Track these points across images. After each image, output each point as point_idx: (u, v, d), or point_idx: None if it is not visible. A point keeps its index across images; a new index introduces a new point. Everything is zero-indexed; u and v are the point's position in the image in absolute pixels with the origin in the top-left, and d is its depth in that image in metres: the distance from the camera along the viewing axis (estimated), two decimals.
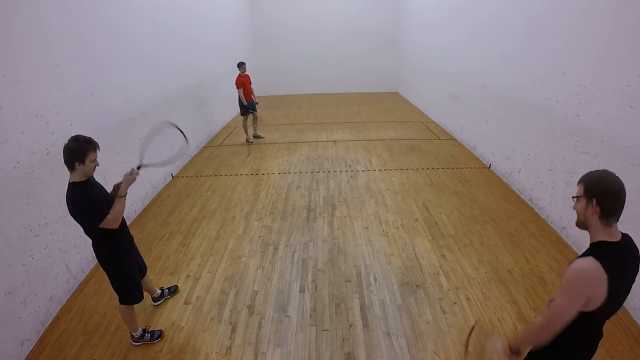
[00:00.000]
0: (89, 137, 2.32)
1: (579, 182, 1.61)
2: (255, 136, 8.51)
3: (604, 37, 3.58)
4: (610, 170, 1.58)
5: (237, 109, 8.53)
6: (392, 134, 8.60)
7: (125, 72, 4.78)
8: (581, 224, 1.62)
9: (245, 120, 8.31)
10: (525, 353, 1.76)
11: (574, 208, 1.63)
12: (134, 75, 5.00)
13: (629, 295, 3.10)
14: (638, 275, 1.64)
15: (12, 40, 2.96)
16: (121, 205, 2.46)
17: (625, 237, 1.58)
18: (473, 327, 2.09)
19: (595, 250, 1.54)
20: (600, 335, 1.72)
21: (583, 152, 3.85)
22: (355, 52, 13.82)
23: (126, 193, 2.52)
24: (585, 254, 1.55)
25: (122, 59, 4.71)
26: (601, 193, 1.51)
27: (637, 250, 1.59)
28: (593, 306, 1.51)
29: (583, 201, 1.56)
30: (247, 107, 8.03)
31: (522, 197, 5.21)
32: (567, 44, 4.18)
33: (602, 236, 1.55)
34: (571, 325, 1.54)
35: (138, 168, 2.59)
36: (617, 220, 1.54)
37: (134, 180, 2.53)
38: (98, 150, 2.36)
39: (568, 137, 4.13)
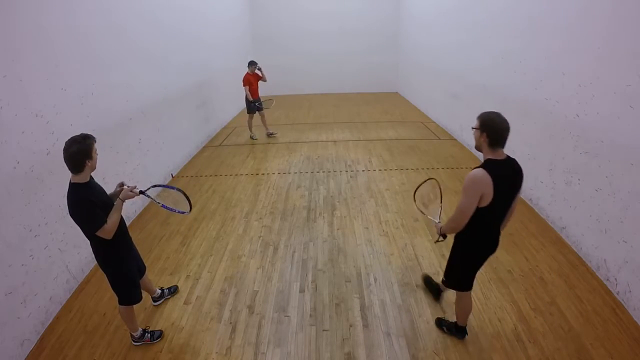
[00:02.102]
0: (85, 133, 2.34)
1: (478, 117, 2.27)
2: (269, 135, 8.54)
3: (604, 37, 3.58)
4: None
5: (237, 109, 8.55)
6: (392, 133, 8.60)
7: (126, 72, 4.78)
8: (477, 147, 2.34)
9: (250, 119, 8.39)
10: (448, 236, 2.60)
11: (473, 134, 2.31)
12: (134, 75, 5.00)
13: (629, 295, 3.13)
14: None
15: (13, 40, 2.96)
16: (117, 217, 2.45)
17: (510, 158, 2.29)
18: (426, 181, 2.89)
19: (484, 164, 2.25)
20: (498, 232, 2.50)
21: (583, 152, 3.85)
22: (355, 52, 13.79)
23: (123, 202, 2.51)
24: (476, 167, 2.23)
25: (122, 58, 4.71)
26: (491, 130, 2.19)
27: (520, 170, 2.32)
28: (485, 202, 2.22)
29: (478, 132, 2.26)
30: (254, 106, 8.11)
31: (522, 197, 5.19)
32: (567, 44, 4.17)
33: (489, 156, 2.26)
34: (474, 218, 2.28)
35: (140, 192, 2.59)
36: (502, 147, 2.24)
37: (132, 197, 2.53)
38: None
39: (568, 137, 4.13)
